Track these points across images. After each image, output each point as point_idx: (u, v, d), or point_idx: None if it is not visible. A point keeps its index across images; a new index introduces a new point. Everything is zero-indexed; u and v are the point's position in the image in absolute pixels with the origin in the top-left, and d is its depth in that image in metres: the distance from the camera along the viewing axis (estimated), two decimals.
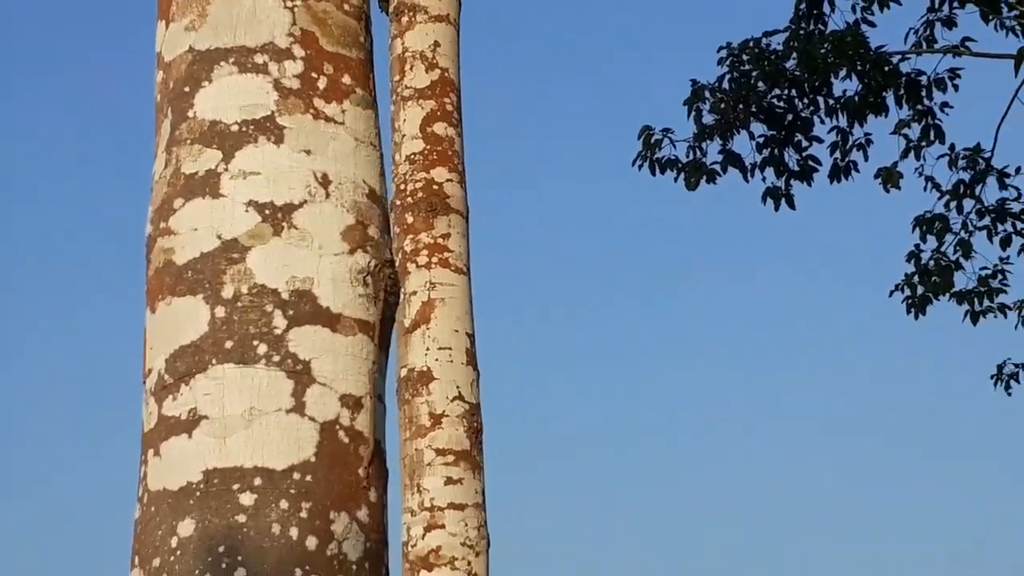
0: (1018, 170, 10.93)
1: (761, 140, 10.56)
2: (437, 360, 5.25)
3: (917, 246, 10.99)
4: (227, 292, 2.18)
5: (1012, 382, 11.46)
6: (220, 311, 2.17)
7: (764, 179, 10.57)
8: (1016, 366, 11.47)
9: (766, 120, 10.50)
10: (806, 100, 10.50)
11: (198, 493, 2.11)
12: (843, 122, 10.57)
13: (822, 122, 10.60)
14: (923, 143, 10.73)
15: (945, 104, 10.60)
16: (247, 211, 2.20)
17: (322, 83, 2.29)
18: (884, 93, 10.40)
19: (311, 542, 2.10)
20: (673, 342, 25.57)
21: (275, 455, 2.12)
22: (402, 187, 5.46)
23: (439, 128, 5.48)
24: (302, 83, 2.27)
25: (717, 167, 10.46)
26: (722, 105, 10.29)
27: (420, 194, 5.41)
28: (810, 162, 10.60)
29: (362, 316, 2.23)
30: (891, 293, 10.97)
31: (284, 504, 2.10)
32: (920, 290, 10.91)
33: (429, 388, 5.22)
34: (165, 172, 2.28)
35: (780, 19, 10.83)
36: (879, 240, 23.46)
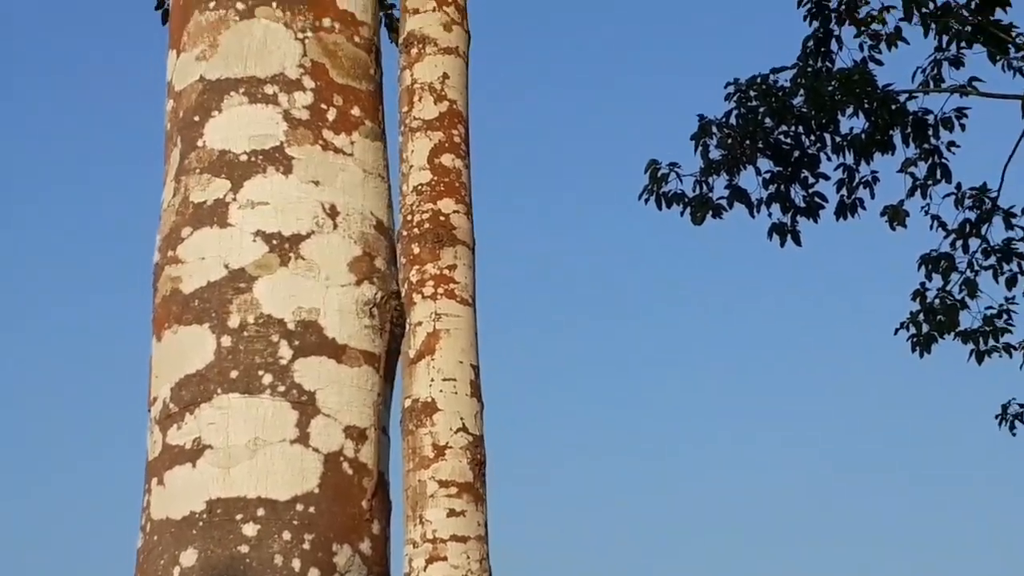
0: None
1: (768, 176, 10.57)
2: (441, 391, 5.25)
3: (923, 284, 11.00)
4: (233, 322, 2.17)
5: (1017, 422, 11.43)
6: (226, 340, 2.17)
7: (770, 215, 10.59)
8: (1021, 406, 11.44)
9: (773, 156, 10.52)
10: (813, 137, 10.52)
11: (201, 523, 2.10)
12: (850, 159, 10.59)
13: (829, 159, 10.63)
14: (929, 182, 10.74)
15: (952, 143, 10.63)
16: (255, 241, 2.20)
17: (331, 114, 2.29)
18: (891, 131, 10.42)
19: (313, 574, 2.09)
20: (676, 368, 25.57)
21: (279, 486, 2.11)
22: (409, 218, 5.46)
23: (447, 159, 5.49)
24: (312, 114, 2.28)
25: (723, 202, 10.48)
26: (729, 141, 10.31)
27: (427, 225, 5.41)
28: (816, 199, 10.61)
29: (368, 347, 2.23)
30: (896, 331, 10.97)
31: (287, 535, 2.09)
32: (925, 328, 10.90)
33: (433, 419, 5.21)
34: (174, 201, 2.28)
35: (788, 56, 10.86)
36: (884, 277, 23.49)
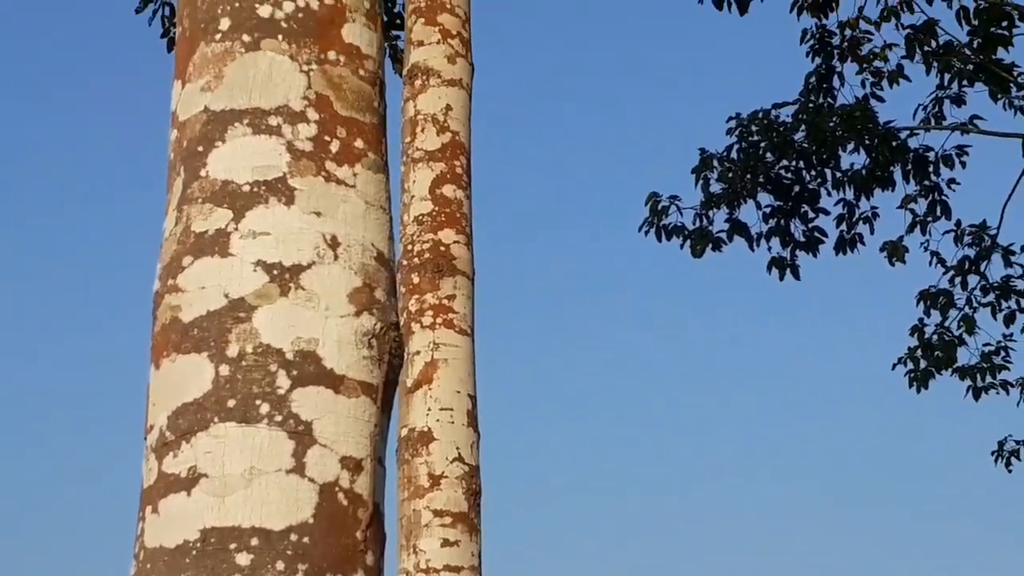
0: (1023, 248, 10.97)
1: (768, 210, 10.60)
2: (438, 421, 5.25)
3: (921, 320, 11.01)
4: (232, 351, 2.18)
5: (1013, 459, 11.43)
6: (224, 369, 2.17)
7: (770, 249, 10.61)
8: (1017, 443, 11.44)
9: (773, 191, 10.55)
10: (814, 172, 10.55)
11: (194, 552, 2.10)
12: (850, 195, 10.62)
13: (829, 194, 10.66)
14: (929, 218, 10.77)
15: (952, 180, 10.66)
16: (255, 271, 2.21)
17: (335, 146, 2.30)
18: (892, 167, 10.46)
19: None
20: (674, 401, 25.55)
21: (273, 516, 2.12)
22: (409, 247, 5.48)
23: (448, 190, 5.51)
24: (315, 146, 2.29)
25: (723, 235, 10.50)
26: (730, 174, 10.34)
27: (427, 255, 5.43)
28: (816, 233, 10.64)
29: (366, 378, 2.23)
30: (894, 366, 10.98)
31: (280, 565, 2.09)
32: (923, 364, 10.90)
33: (429, 449, 5.21)
34: (175, 230, 2.29)
35: (791, 91, 10.90)
36: (883, 313, 23.50)
